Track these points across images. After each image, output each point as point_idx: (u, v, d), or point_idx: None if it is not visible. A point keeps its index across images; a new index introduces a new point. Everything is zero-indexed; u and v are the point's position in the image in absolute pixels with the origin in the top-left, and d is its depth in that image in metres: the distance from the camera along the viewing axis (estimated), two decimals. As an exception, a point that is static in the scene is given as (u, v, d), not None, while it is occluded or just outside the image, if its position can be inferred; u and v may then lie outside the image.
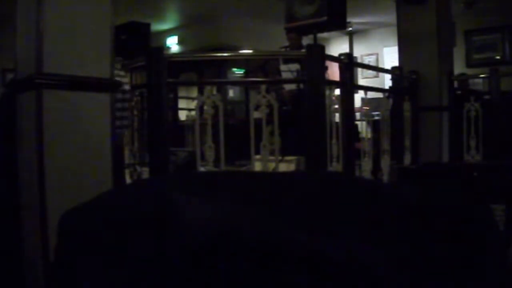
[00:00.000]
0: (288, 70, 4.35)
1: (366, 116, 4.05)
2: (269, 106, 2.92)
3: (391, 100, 4.18)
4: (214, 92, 3.00)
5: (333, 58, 3.45)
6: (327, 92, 3.15)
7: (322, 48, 3.13)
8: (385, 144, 3.89)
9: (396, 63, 4.81)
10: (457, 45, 6.39)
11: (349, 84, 3.34)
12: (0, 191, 2.04)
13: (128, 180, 3.10)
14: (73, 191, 1.82)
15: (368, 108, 4.01)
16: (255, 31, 7.87)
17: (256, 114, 3.00)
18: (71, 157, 1.90)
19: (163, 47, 5.66)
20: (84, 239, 1.08)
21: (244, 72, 8.49)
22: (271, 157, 3.08)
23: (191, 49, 8.20)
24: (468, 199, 1.20)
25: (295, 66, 4.30)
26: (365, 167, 3.62)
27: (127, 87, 3.23)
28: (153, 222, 1.00)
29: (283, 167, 3.72)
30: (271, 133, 3.19)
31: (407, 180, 3.26)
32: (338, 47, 8.74)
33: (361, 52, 8.92)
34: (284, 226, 0.97)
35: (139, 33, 5.51)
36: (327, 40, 8.97)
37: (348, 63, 3.33)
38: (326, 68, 3.41)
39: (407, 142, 4.22)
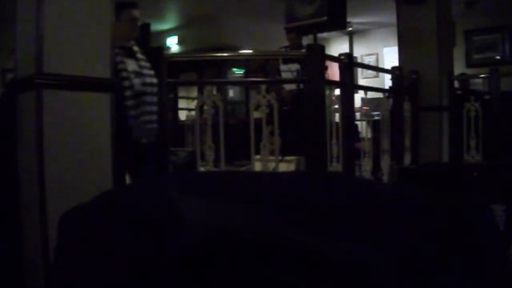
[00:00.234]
0: (288, 70, 4.35)
1: (366, 116, 4.06)
2: (269, 106, 2.92)
3: (391, 100, 4.18)
4: (214, 92, 3.00)
5: (333, 58, 3.45)
6: (327, 92, 3.15)
7: (322, 48, 3.13)
8: (385, 144, 3.89)
9: (396, 63, 4.81)
10: (457, 45, 6.37)
11: (349, 84, 3.34)
12: (0, 191, 2.04)
13: (128, 180, 3.10)
14: (73, 191, 1.82)
15: (368, 108, 4.01)
16: (255, 31, 7.87)
17: (256, 114, 3.00)
18: (71, 157, 1.89)
19: (163, 47, 5.66)
20: (84, 239, 1.08)
21: (244, 72, 8.49)
22: (271, 157, 3.08)
23: (191, 49, 8.19)
24: (468, 199, 1.20)
25: (295, 66, 4.30)
26: (365, 167, 3.62)
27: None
28: (153, 222, 1.00)
29: (283, 167, 3.72)
30: (271, 133, 3.19)
31: (407, 180, 3.26)
32: (338, 47, 8.74)
33: (361, 52, 8.92)
34: (284, 226, 0.97)
35: (139, 33, 5.49)
36: (327, 40, 8.97)
37: (348, 63, 3.33)
38: (326, 68, 3.41)
39: (407, 142, 4.22)
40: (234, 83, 8.97)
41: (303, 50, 3.33)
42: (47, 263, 1.76)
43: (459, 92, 5.47)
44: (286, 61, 4.46)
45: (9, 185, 2.00)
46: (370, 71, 8.22)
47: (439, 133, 4.48)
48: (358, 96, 3.84)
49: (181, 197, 1.05)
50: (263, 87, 2.93)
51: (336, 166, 3.16)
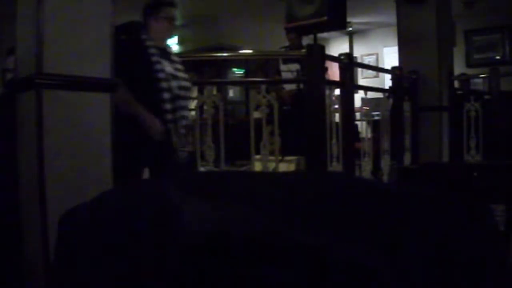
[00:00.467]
0: (288, 70, 4.36)
1: (366, 116, 4.06)
2: (269, 106, 2.92)
3: (391, 100, 4.18)
4: (214, 92, 3.00)
5: (333, 58, 3.45)
6: (327, 92, 3.15)
7: (322, 48, 3.13)
8: (385, 144, 3.90)
9: (396, 63, 4.81)
10: (457, 45, 6.38)
11: (349, 84, 3.34)
12: (0, 191, 2.04)
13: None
14: (73, 191, 1.81)
15: (368, 108, 4.01)
16: (255, 31, 7.87)
17: (256, 114, 3.00)
18: (71, 157, 1.89)
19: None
20: (84, 239, 1.08)
21: (244, 72, 8.49)
22: (271, 157, 3.09)
23: (191, 49, 8.19)
24: (468, 199, 1.19)
25: (295, 66, 4.31)
26: (365, 167, 3.63)
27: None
28: (152, 222, 1.00)
29: (283, 167, 3.72)
30: (271, 133, 3.19)
31: (407, 180, 3.25)
32: (338, 47, 8.74)
33: (361, 52, 8.92)
34: (284, 227, 0.97)
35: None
36: (327, 40, 8.97)
37: (348, 63, 3.33)
38: (326, 68, 3.41)
39: (407, 142, 4.22)
40: (234, 83, 8.96)
41: (303, 50, 3.33)
42: (47, 263, 1.76)
43: (459, 92, 5.47)
44: (286, 61, 4.46)
45: (9, 185, 2.00)
46: (370, 71, 8.21)
47: (439, 133, 4.48)
48: (358, 96, 3.84)
49: (181, 197, 1.05)
50: (263, 87, 2.93)
51: (336, 166, 3.16)
